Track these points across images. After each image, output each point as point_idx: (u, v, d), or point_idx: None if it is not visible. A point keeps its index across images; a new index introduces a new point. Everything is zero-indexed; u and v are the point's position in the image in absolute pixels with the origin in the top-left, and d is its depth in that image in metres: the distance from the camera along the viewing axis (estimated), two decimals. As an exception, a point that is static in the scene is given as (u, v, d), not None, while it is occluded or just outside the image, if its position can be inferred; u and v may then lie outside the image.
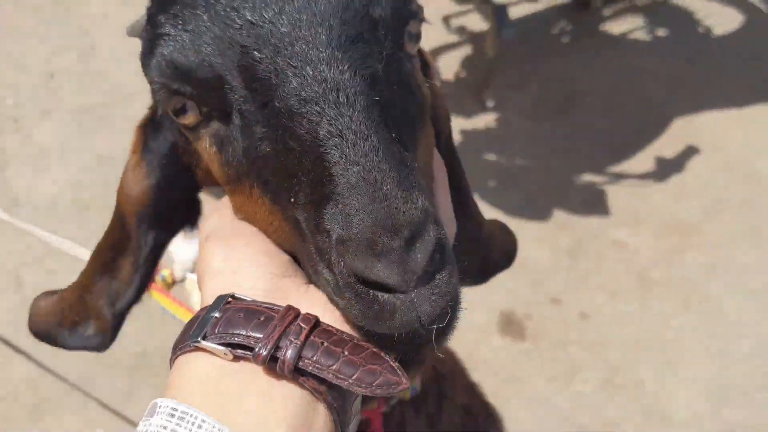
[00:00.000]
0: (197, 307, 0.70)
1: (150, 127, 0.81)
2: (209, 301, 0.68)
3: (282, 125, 0.64)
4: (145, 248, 0.83)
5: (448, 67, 3.30)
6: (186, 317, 1.10)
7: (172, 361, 0.68)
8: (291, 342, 0.62)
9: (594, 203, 2.87)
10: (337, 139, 0.61)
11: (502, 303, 2.63)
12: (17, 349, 2.34)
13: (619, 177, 2.93)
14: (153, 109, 0.81)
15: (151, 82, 0.71)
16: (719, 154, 2.94)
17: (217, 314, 0.65)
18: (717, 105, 3.09)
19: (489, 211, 2.79)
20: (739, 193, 2.83)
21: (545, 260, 2.73)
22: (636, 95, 3.17)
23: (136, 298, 0.86)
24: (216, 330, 0.64)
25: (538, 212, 2.85)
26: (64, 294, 0.89)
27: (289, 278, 0.70)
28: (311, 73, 0.63)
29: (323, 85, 0.62)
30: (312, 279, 0.69)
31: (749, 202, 2.80)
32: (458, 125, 3.06)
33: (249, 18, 0.65)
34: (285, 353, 0.62)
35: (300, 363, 0.63)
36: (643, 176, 2.92)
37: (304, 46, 0.63)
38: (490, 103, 3.17)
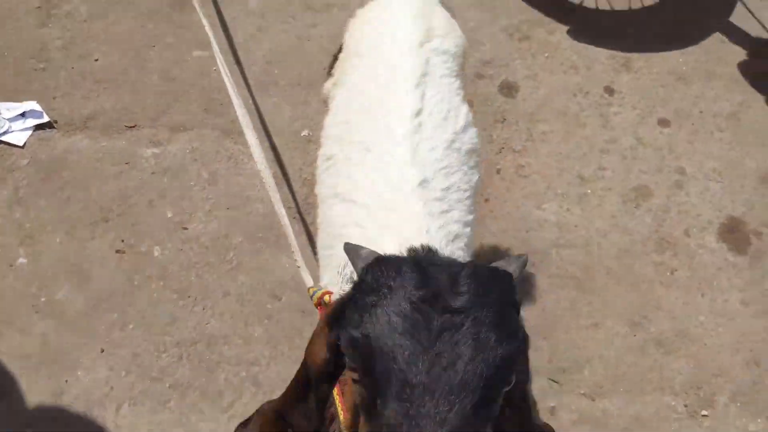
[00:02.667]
0: None
1: (333, 318, 1.09)
2: None
3: (393, 411, 0.90)
4: (320, 392, 1.15)
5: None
6: None
7: None
8: None
9: None
10: None
11: (734, 209, 2.71)
12: None
13: None
14: (340, 306, 1.08)
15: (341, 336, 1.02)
16: None
17: None
18: None
19: None
20: None
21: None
22: None
23: (321, 419, 1.18)
24: None
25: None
26: (261, 421, 1.28)
27: None
28: (424, 415, 0.88)
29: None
30: None
31: None
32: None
33: (407, 359, 0.91)
34: None
35: None
36: None
37: (427, 399, 0.89)
38: None
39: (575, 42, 3.06)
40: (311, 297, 1.48)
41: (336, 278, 1.46)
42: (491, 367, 0.91)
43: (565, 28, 3.08)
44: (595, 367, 2.41)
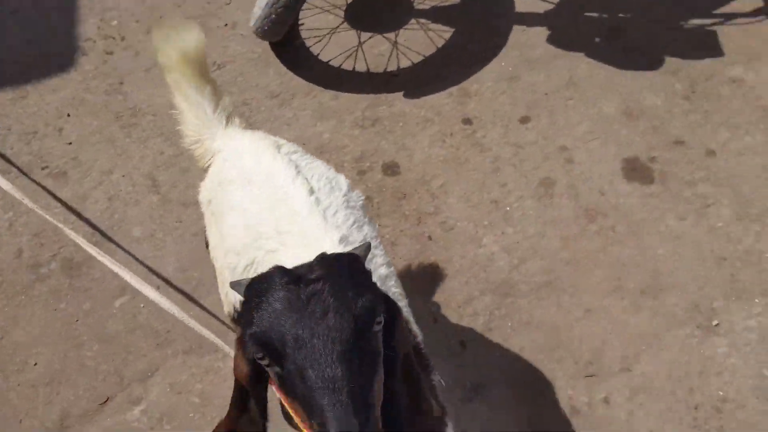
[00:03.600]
0: None
1: (241, 337, 1.32)
2: None
3: (301, 376, 1.19)
4: (258, 398, 1.39)
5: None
6: None
7: None
8: None
9: (705, 46, 3.21)
10: (325, 389, 1.16)
11: (622, 152, 3.04)
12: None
13: (730, 17, 3.26)
14: (241, 335, 1.32)
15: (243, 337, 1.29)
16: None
17: None
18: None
19: (597, 69, 3.30)
20: None
21: (661, 106, 3.13)
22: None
23: (264, 419, 1.40)
24: None
25: (648, 62, 3.26)
26: None
27: None
28: (319, 363, 1.17)
29: (325, 374, 1.17)
30: None
31: None
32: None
33: (295, 329, 1.20)
34: None
35: None
36: (756, 13, 3.23)
37: (316, 348, 1.19)
38: None
39: (414, 99, 3.33)
40: None
41: None
42: (358, 309, 1.22)
43: (399, 94, 3.35)
44: (612, 343, 2.62)
